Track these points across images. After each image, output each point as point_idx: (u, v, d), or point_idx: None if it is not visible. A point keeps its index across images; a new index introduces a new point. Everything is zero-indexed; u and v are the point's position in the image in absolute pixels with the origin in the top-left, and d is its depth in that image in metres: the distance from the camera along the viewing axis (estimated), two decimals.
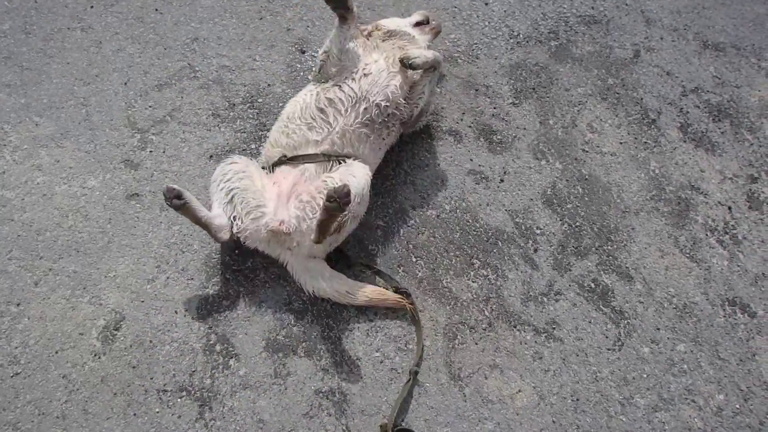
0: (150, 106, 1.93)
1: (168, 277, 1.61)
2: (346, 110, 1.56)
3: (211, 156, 1.83)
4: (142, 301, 1.58)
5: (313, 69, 1.72)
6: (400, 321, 1.60)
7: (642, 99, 2.10)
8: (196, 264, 1.64)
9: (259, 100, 1.96)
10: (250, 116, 1.92)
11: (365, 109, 1.57)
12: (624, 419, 1.51)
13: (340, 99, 1.56)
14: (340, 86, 1.58)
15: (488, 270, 1.70)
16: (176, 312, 1.56)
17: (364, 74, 1.59)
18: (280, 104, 1.95)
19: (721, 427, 1.51)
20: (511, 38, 2.20)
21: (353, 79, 1.58)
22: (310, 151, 1.56)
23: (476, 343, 1.58)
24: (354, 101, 1.56)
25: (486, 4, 2.28)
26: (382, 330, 1.58)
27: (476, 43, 2.17)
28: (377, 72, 1.60)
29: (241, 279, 1.62)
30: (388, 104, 1.60)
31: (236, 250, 1.64)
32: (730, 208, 1.90)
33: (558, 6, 2.31)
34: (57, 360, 1.48)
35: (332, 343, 1.55)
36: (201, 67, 2.02)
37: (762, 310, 1.72)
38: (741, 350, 1.64)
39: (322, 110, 1.57)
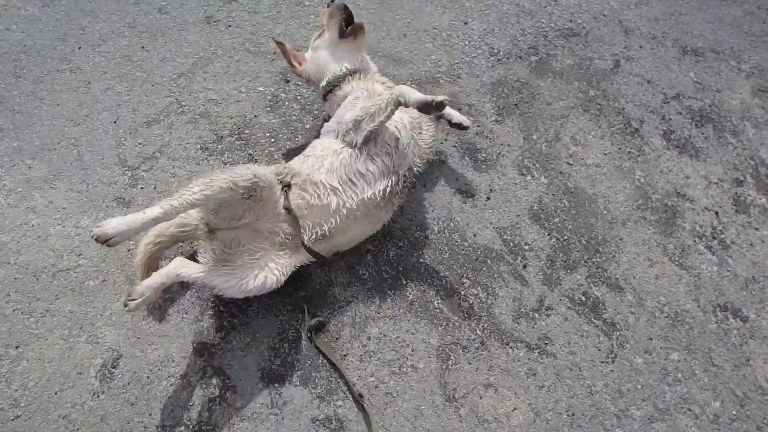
0: (140, 143, 1.97)
1: (162, 313, 1.64)
2: (376, 183, 1.51)
3: None
4: (138, 338, 1.60)
5: (346, 130, 1.55)
6: (392, 344, 1.61)
7: (624, 109, 2.13)
8: (189, 297, 1.66)
9: (246, 132, 1.99)
10: (238, 148, 1.95)
11: (394, 181, 1.54)
12: None
13: (371, 172, 1.51)
14: (372, 159, 1.51)
15: (479, 288, 1.72)
16: (172, 347, 1.58)
17: (396, 147, 1.53)
18: (267, 134, 1.99)
19: None
20: (491, 56, 2.23)
21: (387, 153, 1.52)
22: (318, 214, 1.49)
23: (470, 363, 1.59)
24: (385, 174, 1.53)
25: (465, 23, 2.32)
26: (376, 354, 1.59)
27: (457, 63, 2.20)
28: (406, 142, 1.55)
29: (234, 310, 1.64)
30: (418, 169, 1.63)
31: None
32: (717, 213, 1.91)
33: (536, 21, 2.35)
34: (56, 401, 1.50)
35: (327, 371, 1.56)
36: (188, 101, 2.06)
37: (754, 314, 1.72)
38: (735, 356, 1.64)
39: (351, 180, 1.50)
